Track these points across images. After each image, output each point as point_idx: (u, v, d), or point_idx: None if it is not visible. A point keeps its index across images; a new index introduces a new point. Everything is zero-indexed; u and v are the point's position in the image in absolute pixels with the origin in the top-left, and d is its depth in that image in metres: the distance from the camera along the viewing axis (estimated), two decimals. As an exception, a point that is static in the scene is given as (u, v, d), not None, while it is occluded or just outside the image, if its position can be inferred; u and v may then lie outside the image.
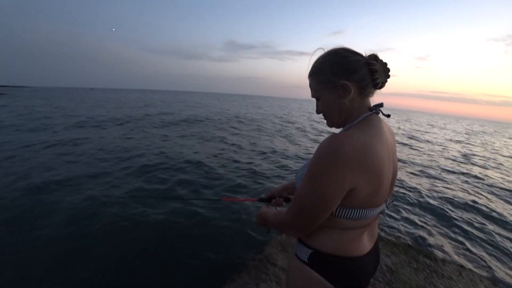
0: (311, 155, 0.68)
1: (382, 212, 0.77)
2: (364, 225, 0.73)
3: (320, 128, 13.57)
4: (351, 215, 0.68)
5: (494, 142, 16.29)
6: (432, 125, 26.18)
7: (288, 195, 1.03)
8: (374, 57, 0.73)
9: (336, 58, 0.72)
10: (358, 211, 0.68)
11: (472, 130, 27.22)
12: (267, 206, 1.00)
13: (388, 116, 0.77)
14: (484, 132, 26.54)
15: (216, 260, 2.28)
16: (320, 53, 0.77)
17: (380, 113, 0.76)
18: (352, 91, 0.70)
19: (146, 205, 3.17)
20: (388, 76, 0.75)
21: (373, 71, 0.71)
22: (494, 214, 4.02)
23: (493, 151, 11.92)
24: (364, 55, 0.73)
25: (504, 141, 18.11)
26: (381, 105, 0.75)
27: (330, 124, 0.80)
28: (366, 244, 0.77)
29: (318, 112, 0.80)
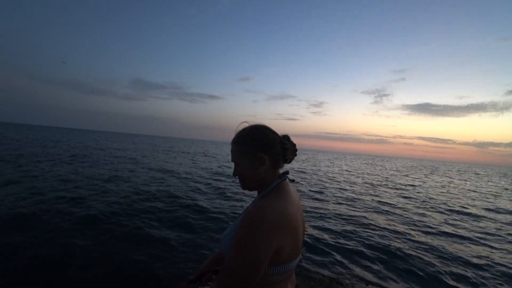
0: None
1: (300, 261, 0.86)
2: (288, 276, 0.81)
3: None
4: (279, 271, 0.76)
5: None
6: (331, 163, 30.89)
7: (215, 268, 1.04)
8: (286, 138, 0.89)
9: (258, 134, 0.85)
10: (284, 266, 0.76)
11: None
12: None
13: (293, 181, 0.93)
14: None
15: None
16: (245, 125, 0.89)
17: (287, 179, 0.89)
18: (267, 163, 0.82)
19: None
20: (295, 154, 0.91)
21: (285, 149, 0.86)
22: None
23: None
24: (279, 134, 0.88)
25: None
26: (287, 172, 0.90)
27: (243, 187, 0.89)
28: None
29: (234, 174, 0.89)
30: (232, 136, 0.90)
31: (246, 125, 0.89)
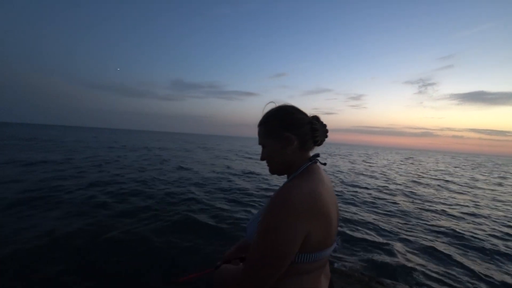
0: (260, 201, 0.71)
1: (334, 251, 0.82)
2: (321, 266, 0.75)
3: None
4: (309, 259, 0.70)
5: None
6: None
7: (242, 255, 1.01)
8: (316, 118, 0.84)
9: (284, 113, 0.82)
10: (315, 254, 0.71)
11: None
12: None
13: (325, 164, 0.89)
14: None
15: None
16: (271, 106, 0.86)
17: (318, 162, 0.84)
18: (295, 143, 0.79)
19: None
20: (326, 136, 0.86)
21: (314, 129, 0.82)
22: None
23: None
24: (308, 115, 0.85)
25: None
26: (317, 155, 0.85)
27: (271, 171, 0.86)
28: (323, 283, 0.80)
29: (262, 158, 0.86)
30: None
31: (273, 105, 0.86)
